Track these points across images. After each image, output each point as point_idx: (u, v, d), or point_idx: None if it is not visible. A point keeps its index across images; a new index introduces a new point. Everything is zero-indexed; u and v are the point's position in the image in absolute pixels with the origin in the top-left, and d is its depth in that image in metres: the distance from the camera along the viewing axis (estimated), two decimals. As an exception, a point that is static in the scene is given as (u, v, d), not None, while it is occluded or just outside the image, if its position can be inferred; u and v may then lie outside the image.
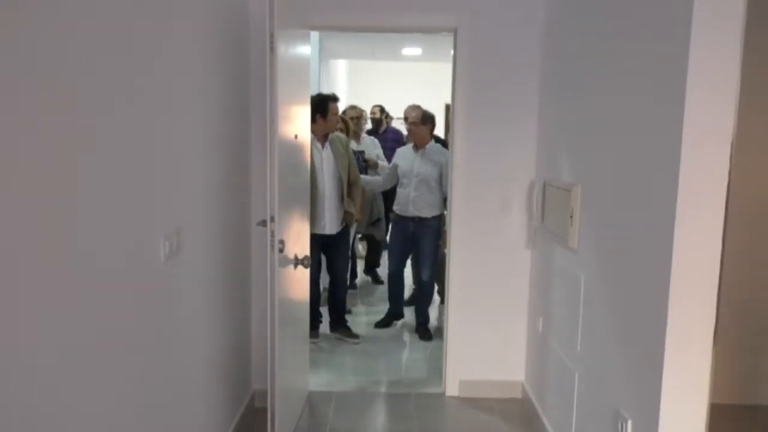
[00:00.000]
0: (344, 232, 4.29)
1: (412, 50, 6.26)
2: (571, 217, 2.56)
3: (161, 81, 1.89)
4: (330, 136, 4.10)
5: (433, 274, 4.46)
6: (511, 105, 3.30)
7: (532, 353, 3.33)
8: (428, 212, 4.31)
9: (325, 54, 6.71)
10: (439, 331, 4.29)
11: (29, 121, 1.19)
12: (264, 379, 3.25)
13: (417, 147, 4.38)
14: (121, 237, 1.61)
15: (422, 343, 4.36)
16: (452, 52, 3.34)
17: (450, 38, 3.34)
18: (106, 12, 1.51)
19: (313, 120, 3.77)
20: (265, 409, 3.12)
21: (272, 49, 2.50)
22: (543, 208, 3.07)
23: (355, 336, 4.30)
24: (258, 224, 2.79)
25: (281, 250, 2.62)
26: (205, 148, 2.38)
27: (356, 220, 4.44)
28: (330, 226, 4.09)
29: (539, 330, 3.14)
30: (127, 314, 1.66)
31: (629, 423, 1.98)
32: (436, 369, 3.78)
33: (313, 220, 3.82)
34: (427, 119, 4.40)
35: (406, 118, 4.98)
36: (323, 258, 4.31)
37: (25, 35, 1.17)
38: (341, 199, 4.14)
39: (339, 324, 4.36)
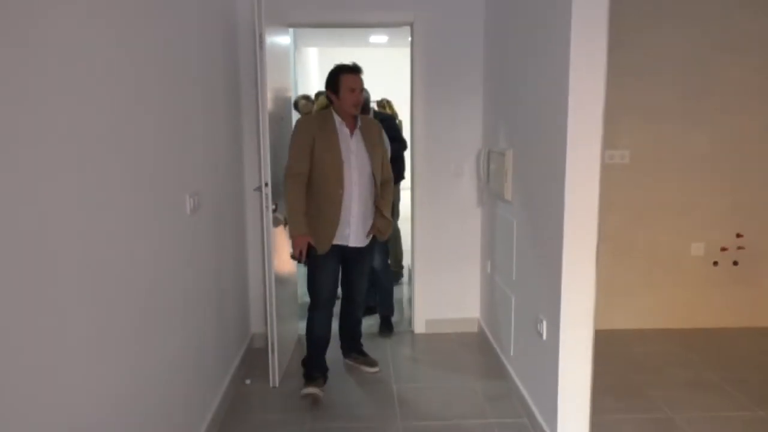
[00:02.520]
0: (371, 246, 3.33)
1: (378, 38, 6.85)
2: (506, 174, 3.23)
3: (181, 75, 2.48)
4: (361, 120, 3.19)
5: (385, 262, 4.24)
6: (461, 86, 3.93)
7: (484, 292, 4.02)
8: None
9: (298, 43, 7.27)
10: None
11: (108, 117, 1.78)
12: (261, 324, 3.91)
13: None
14: (163, 192, 2.21)
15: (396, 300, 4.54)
16: (410, 41, 3.97)
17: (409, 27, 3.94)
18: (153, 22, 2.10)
19: (330, 101, 3.18)
20: (262, 350, 3.79)
21: (261, 46, 3.10)
22: (488, 172, 3.73)
23: (374, 364, 3.55)
24: (255, 190, 3.38)
25: (275, 211, 3.24)
26: (213, 126, 2.97)
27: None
28: (356, 237, 3.17)
29: (488, 271, 3.82)
30: (167, 250, 2.26)
31: (544, 322, 2.67)
32: (407, 314, 4.44)
33: (331, 227, 3.07)
34: None
35: None
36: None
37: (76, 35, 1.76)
38: (372, 203, 3.21)
39: (354, 349, 3.64)
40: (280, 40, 3.55)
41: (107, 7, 1.72)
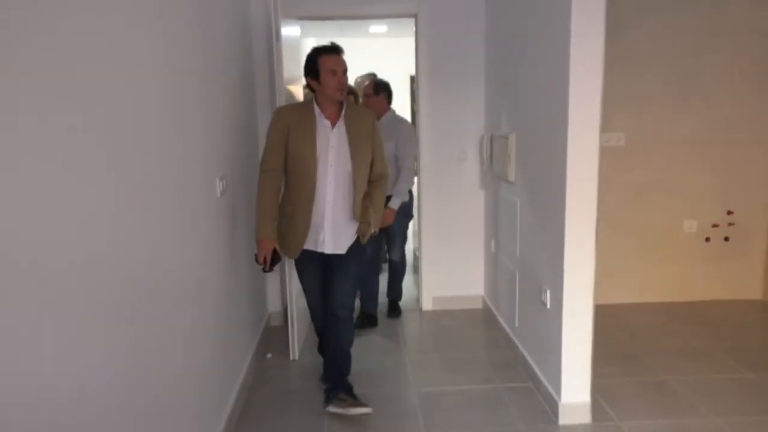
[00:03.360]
0: (354, 251, 2.91)
1: (378, 28, 7.01)
2: (509, 157, 3.43)
3: (210, 66, 2.67)
4: (348, 109, 2.82)
5: (404, 252, 4.27)
6: (464, 74, 4.12)
7: (488, 270, 4.23)
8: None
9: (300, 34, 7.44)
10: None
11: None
12: (276, 303, 4.11)
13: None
14: (198, 176, 2.40)
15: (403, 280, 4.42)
16: (414, 32, 4.14)
17: (413, 18, 4.13)
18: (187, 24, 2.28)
19: (309, 87, 2.87)
20: (278, 327, 4.00)
21: (278, 38, 3.28)
22: (491, 156, 3.93)
23: (363, 405, 2.86)
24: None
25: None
26: (234, 114, 3.15)
27: (372, 233, 2.95)
28: (332, 244, 2.83)
29: (492, 250, 4.03)
30: (200, 231, 2.45)
31: (548, 292, 2.88)
32: (416, 294, 4.65)
33: (302, 230, 2.78)
34: (380, 87, 4.02)
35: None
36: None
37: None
38: (352, 206, 2.83)
39: (341, 388, 2.94)
40: (291, 32, 3.73)
41: (150, 4, 1.91)
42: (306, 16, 4.04)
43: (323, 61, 2.74)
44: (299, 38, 4.08)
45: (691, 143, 4.19)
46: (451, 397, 3.05)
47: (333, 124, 2.78)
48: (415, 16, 4.07)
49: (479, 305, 4.37)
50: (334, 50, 2.78)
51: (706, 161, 4.21)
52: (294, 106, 2.90)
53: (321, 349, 3.32)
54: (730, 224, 4.29)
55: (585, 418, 2.77)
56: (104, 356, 1.46)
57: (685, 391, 3.03)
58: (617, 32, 3.94)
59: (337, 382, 2.96)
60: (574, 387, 2.77)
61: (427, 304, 4.40)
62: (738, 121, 4.18)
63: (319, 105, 2.79)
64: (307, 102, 2.87)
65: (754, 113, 4.17)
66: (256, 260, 2.84)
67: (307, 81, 2.84)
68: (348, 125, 2.79)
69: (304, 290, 3.10)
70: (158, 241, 1.86)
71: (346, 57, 2.83)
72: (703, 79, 4.13)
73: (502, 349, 3.61)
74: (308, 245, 2.84)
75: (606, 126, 4.09)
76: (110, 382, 1.49)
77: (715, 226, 4.29)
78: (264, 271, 2.84)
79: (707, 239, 4.31)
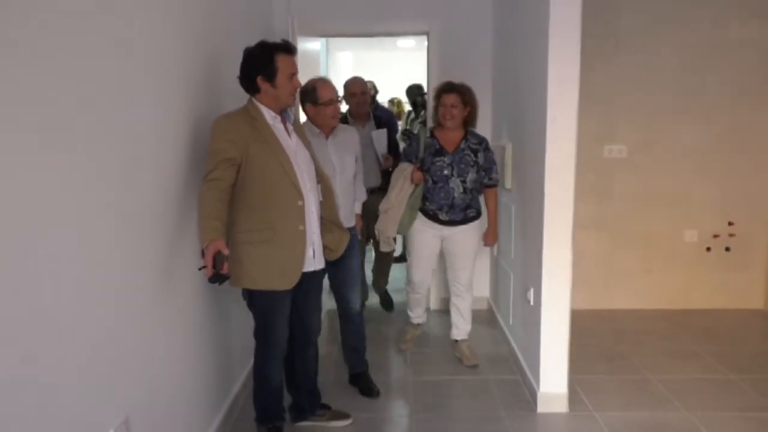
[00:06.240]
0: (325, 268, 2.69)
1: (406, 42, 7.39)
2: (506, 165, 3.68)
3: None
4: (290, 116, 2.52)
5: (363, 302, 3.41)
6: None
7: (492, 273, 4.46)
8: (351, 220, 3.17)
9: (330, 48, 7.86)
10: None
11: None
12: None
13: (326, 131, 3.06)
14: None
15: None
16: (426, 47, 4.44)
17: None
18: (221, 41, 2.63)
19: (254, 87, 2.41)
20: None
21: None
22: (495, 164, 4.18)
23: (346, 416, 2.92)
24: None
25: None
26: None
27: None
28: (319, 257, 2.58)
29: (495, 254, 4.27)
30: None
31: (531, 290, 3.12)
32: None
33: (298, 252, 2.42)
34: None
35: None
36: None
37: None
38: (320, 211, 2.59)
39: (315, 404, 2.89)
40: (311, 47, 4.08)
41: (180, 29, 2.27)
42: (326, 33, 4.39)
43: (282, 62, 2.37)
44: (319, 52, 4.41)
45: (692, 155, 4.34)
46: (443, 386, 3.31)
47: (287, 131, 2.49)
48: (427, 33, 4.37)
49: (484, 306, 4.59)
50: (292, 50, 2.43)
51: (707, 173, 4.36)
52: (241, 116, 2.39)
53: (263, 409, 2.70)
54: (731, 235, 4.41)
55: (562, 407, 2.99)
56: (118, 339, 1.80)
57: (663, 388, 3.21)
58: (623, 48, 4.19)
59: (310, 401, 2.87)
60: (553, 378, 2.99)
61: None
62: (738, 133, 4.31)
63: (269, 108, 2.42)
64: (249, 108, 2.42)
65: (753, 126, 4.30)
66: (210, 280, 2.13)
67: (254, 80, 2.39)
68: (297, 130, 2.57)
69: (277, 330, 2.54)
70: (175, 229, 2.20)
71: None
72: (704, 93, 4.28)
73: (498, 345, 3.84)
74: (297, 268, 2.45)
75: (609, 138, 4.36)
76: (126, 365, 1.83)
77: (716, 236, 4.42)
78: (216, 282, 2.14)
79: (708, 249, 4.44)
